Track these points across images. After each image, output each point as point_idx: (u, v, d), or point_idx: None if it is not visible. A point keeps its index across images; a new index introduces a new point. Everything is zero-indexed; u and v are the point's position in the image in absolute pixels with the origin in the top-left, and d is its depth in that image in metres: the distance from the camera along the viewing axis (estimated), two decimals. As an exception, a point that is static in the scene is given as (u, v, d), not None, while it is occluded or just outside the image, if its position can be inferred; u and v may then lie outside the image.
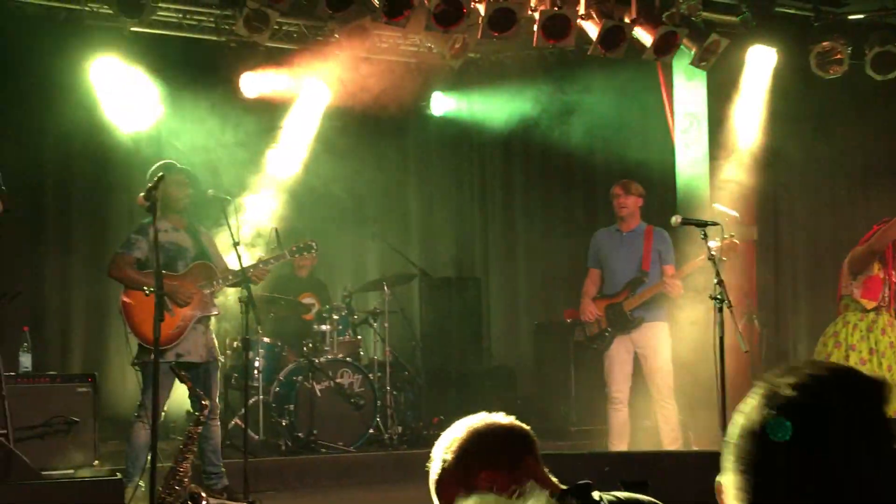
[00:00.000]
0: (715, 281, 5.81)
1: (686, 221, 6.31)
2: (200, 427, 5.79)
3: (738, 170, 8.59)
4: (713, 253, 5.99)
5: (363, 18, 8.04)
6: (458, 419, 2.24)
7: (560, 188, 10.85)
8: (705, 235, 6.04)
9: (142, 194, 5.60)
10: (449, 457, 2.16)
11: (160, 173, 5.82)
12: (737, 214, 7.41)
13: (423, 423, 8.65)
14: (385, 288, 8.59)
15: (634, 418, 7.27)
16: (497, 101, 10.10)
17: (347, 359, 8.03)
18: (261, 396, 7.88)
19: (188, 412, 8.11)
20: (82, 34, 8.50)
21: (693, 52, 8.11)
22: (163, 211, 5.72)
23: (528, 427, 2.26)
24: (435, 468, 2.20)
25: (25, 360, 7.13)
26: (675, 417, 7.20)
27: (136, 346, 6.16)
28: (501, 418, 2.27)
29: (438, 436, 2.24)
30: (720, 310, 5.71)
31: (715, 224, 6.31)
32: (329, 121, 9.70)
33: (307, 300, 8.76)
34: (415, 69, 9.96)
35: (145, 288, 5.70)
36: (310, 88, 9.50)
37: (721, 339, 5.68)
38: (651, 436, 7.33)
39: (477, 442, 2.17)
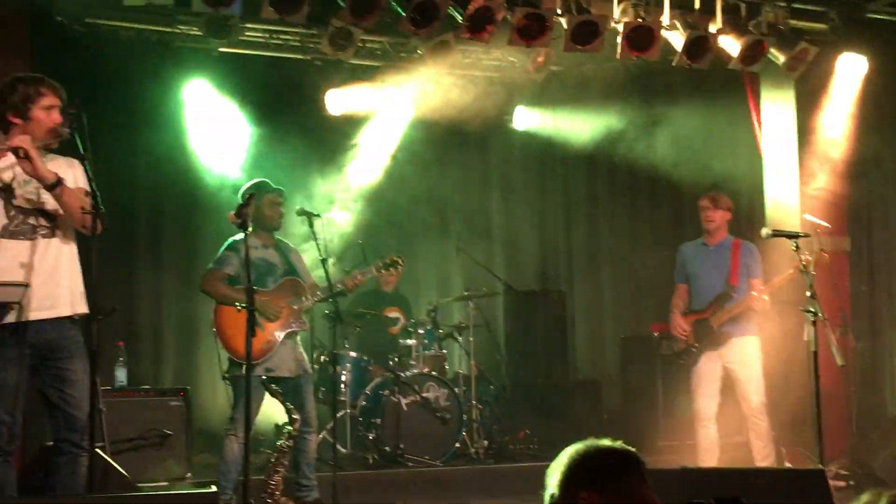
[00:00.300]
0: (808, 294, 5.69)
1: (777, 233, 6.21)
2: (292, 441, 5.88)
3: (829, 179, 8.41)
4: (804, 265, 5.87)
5: (446, 34, 8.08)
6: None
7: (646, 201, 10.73)
8: (797, 247, 5.93)
9: (233, 212, 5.71)
10: (553, 481, 2.17)
11: (252, 191, 5.94)
12: (828, 225, 7.25)
13: (510, 437, 8.63)
14: (469, 302, 8.62)
15: (726, 434, 7.14)
16: (580, 113, 10.05)
17: (433, 373, 8.06)
18: (348, 410, 7.96)
19: (276, 426, 8.23)
20: (172, 56, 8.72)
21: (781, 61, 7.98)
22: (253, 228, 5.81)
23: (632, 449, 2.24)
24: (546, 499, 2.22)
25: (121, 375, 7.32)
26: (768, 433, 7.06)
27: (226, 360, 6.26)
28: (604, 441, 2.27)
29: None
30: (814, 323, 5.60)
31: (806, 236, 6.18)
32: (412, 136, 9.77)
33: (392, 314, 8.83)
34: (497, 83, 9.99)
35: (237, 304, 5.80)
36: (393, 104, 9.58)
37: (815, 353, 5.56)
38: (743, 451, 7.19)
39: (577, 464, 2.17)
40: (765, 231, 6.19)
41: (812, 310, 5.64)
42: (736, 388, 7.10)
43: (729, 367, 7.09)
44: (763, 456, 6.99)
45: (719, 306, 7.08)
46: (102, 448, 5.75)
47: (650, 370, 8.73)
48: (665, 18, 7.70)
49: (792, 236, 6.05)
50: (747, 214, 8.46)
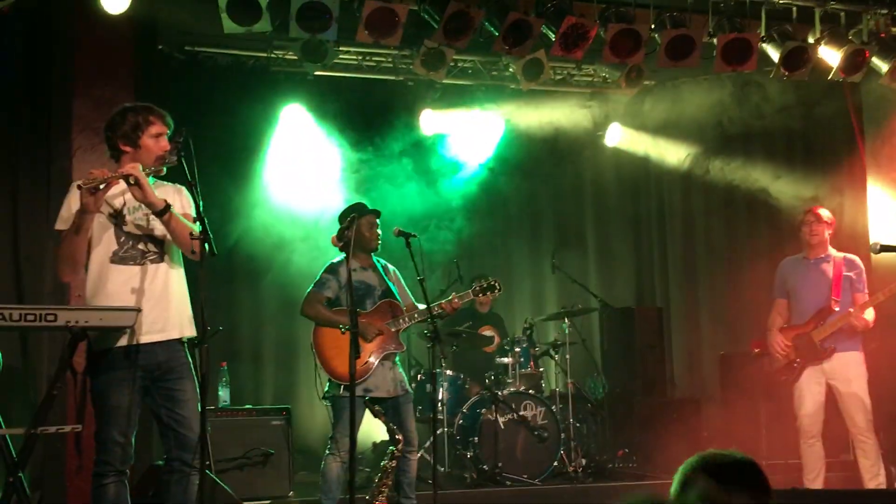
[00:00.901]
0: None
1: (886, 248, 6.01)
2: (395, 461, 5.90)
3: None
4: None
5: (538, 52, 8.10)
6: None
7: (743, 216, 10.53)
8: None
9: (334, 235, 5.77)
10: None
11: (352, 214, 6.00)
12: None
13: (608, 455, 8.55)
14: (565, 319, 8.58)
15: (832, 452, 6.96)
16: (675, 128, 9.95)
17: (530, 391, 8.04)
18: (445, 429, 7.98)
19: (374, 444, 8.30)
20: (269, 81, 8.90)
21: (884, 70, 7.79)
22: (353, 250, 5.87)
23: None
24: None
25: (224, 395, 7.46)
26: (876, 452, 6.85)
27: (325, 381, 6.32)
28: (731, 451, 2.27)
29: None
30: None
31: None
32: (506, 154, 9.79)
33: (487, 332, 8.83)
34: (589, 99, 9.96)
35: (341, 326, 5.86)
36: (487, 122, 9.61)
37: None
38: (851, 470, 7.00)
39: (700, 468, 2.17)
40: (874, 244, 6.00)
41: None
42: (840, 406, 6.92)
43: (832, 383, 6.91)
44: (871, 475, 6.79)
45: (821, 321, 6.91)
46: (209, 467, 5.85)
47: (750, 387, 8.55)
48: (762, 30, 7.59)
49: (902, 251, 5.87)
50: (850, 228, 8.24)
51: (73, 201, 4.61)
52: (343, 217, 6.17)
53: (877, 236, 7.69)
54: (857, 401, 6.84)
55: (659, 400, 9.32)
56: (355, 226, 6.03)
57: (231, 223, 8.84)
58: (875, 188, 8.52)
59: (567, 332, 8.53)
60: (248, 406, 7.81)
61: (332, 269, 6.36)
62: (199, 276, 4.43)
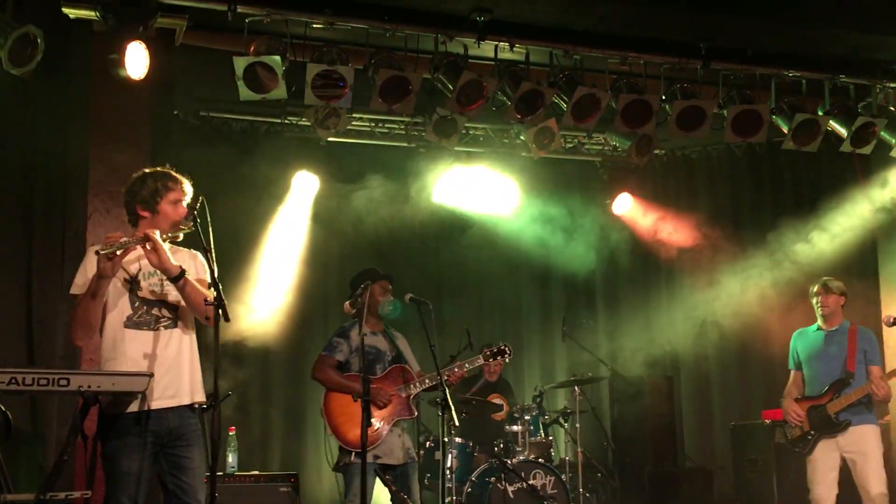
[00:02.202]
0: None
1: (899, 320, 5.99)
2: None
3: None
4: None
5: (549, 120, 8.17)
6: None
7: (754, 287, 10.48)
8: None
9: (348, 302, 5.78)
10: None
11: (365, 279, 6.01)
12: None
13: (618, 525, 8.47)
14: (575, 387, 8.54)
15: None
16: (684, 197, 9.99)
17: (539, 460, 7.97)
18: (454, 497, 7.88)
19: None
20: (282, 146, 8.98)
21: (894, 143, 7.84)
22: (364, 316, 5.87)
23: None
24: None
25: (232, 460, 7.40)
26: (891, 527, 6.77)
27: (336, 448, 6.27)
28: None
29: None
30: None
31: None
32: (515, 222, 9.81)
33: (496, 401, 8.78)
34: (599, 167, 10.03)
35: (355, 395, 5.83)
36: (496, 190, 9.66)
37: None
38: (866, 546, 6.90)
39: None
40: (886, 317, 5.97)
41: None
42: (856, 479, 6.85)
43: (847, 456, 6.85)
44: (886, 550, 6.70)
45: (836, 393, 6.87)
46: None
47: (763, 458, 8.48)
48: (772, 102, 7.66)
49: (918, 323, 5.83)
50: (863, 298, 8.20)
51: (89, 266, 4.62)
52: (355, 282, 6.18)
53: (890, 309, 7.67)
54: (872, 475, 6.76)
55: (670, 470, 9.24)
56: (369, 291, 6.04)
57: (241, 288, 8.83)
58: (886, 257, 8.51)
59: (577, 400, 8.48)
60: (255, 472, 7.74)
61: (343, 332, 6.36)
62: (214, 341, 4.43)
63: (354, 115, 8.80)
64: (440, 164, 9.37)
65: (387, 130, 9.33)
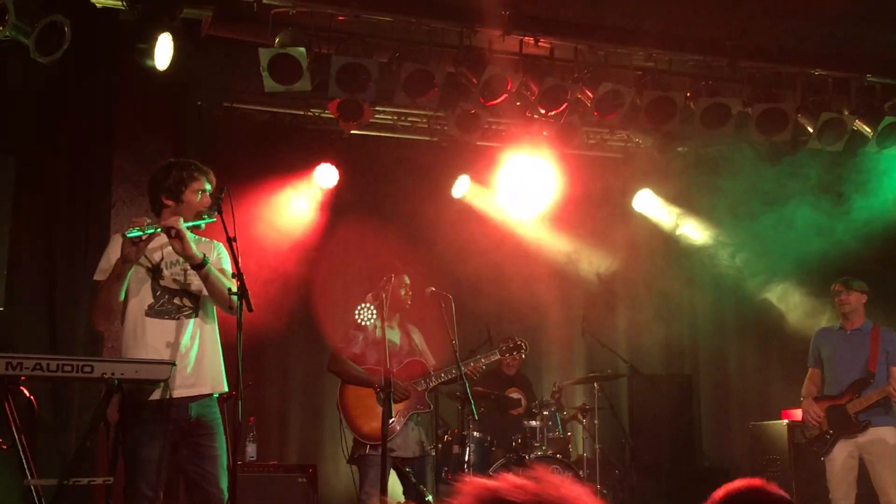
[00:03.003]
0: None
1: (923, 322, 5.94)
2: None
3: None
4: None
5: (573, 116, 8.14)
6: None
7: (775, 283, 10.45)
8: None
9: (371, 294, 5.79)
10: None
11: (390, 274, 6.01)
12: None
13: (635, 524, 8.44)
14: (594, 384, 8.51)
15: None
16: (706, 193, 9.92)
17: (558, 455, 7.95)
18: (471, 491, 7.87)
19: (398, 504, 8.21)
20: (305, 137, 8.98)
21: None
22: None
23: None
24: None
25: (251, 450, 7.43)
26: (910, 528, 6.73)
27: (350, 440, 6.28)
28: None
29: None
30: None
31: None
32: (538, 216, 9.78)
33: (514, 395, 8.76)
34: (622, 164, 9.99)
35: (375, 386, 5.85)
36: (520, 185, 9.62)
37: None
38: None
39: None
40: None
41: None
42: (874, 480, 6.82)
43: (866, 457, 6.82)
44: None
45: (857, 393, 6.84)
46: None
47: (782, 459, 8.43)
48: (798, 100, 7.62)
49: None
50: (889, 298, 8.13)
51: (112, 252, 4.65)
52: (378, 275, 6.18)
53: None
54: (890, 478, 6.73)
55: (687, 469, 9.21)
56: (389, 287, 6.06)
57: (259, 277, 8.84)
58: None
59: (596, 396, 8.45)
60: (274, 462, 7.77)
61: (360, 325, 6.36)
62: (238, 331, 4.44)
63: (378, 109, 8.79)
64: (462, 159, 9.35)
65: (409, 124, 9.31)
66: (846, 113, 7.72)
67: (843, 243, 8.71)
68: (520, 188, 9.51)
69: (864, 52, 7.70)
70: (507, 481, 1.72)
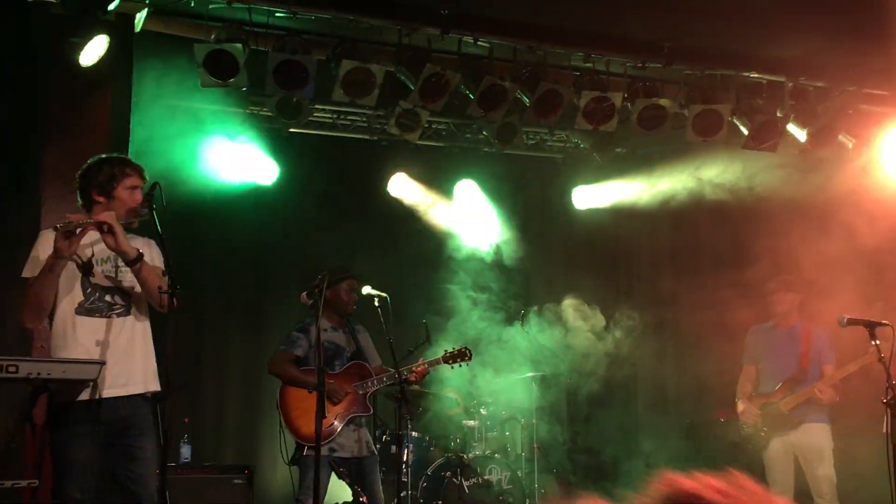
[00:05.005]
0: (886, 385, 5.53)
1: (853, 321, 5.98)
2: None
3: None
4: (882, 355, 5.69)
5: (512, 116, 8.16)
6: None
7: (710, 283, 10.55)
8: (874, 336, 5.76)
9: (304, 293, 5.73)
10: None
11: (330, 275, 5.95)
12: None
13: (572, 522, 8.45)
14: (533, 382, 8.53)
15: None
16: (641, 193, 10.01)
17: (496, 455, 7.96)
18: (409, 491, 7.85)
19: (340, 506, 8.16)
20: (246, 135, 8.89)
21: (851, 145, 7.93)
22: (324, 310, 5.80)
23: None
24: None
25: (185, 451, 7.32)
26: (840, 522, 6.83)
27: (292, 443, 6.21)
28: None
29: None
30: (894, 415, 5.43)
31: (884, 325, 5.92)
32: (475, 216, 9.79)
33: (450, 395, 8.76)
34: (560, 164, 10.04)
35: (309, 388, 5.80)
36: (457, 185, 9.64)
37: (895, 446, 5.38)
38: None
39: None
40: (841, 317, 5.97)
41: (892, 402, 5.46)
42: (808, 477, 6.90)
43: (800, 455, 6.91)
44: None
45: (790, 390, 6.92)
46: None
47: (719, 457, 8.52)
48: (732, 103, 7.71)
49: (870, 325, 5.85)
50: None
51: (42, 248, 4.56)
52: (321, 277, 6.10)
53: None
54: (824, 474, 6.82)
55: (625, 467, 9.29)
56: (335, 288, 6.02)
57: (199, 277, 8.75)
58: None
59: (534, 396, 8.47)
60: (209, 464, 7.66)
61: (303, 327, 6.31)
62: (168, 329, 4.37)
63: (317, 107, 8.73)
64: (400, 158, 9.34)
65: (349, 122, 9.27)
66: (779, 115, 7.82)
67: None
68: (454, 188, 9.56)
69: (796, 57, 7.80)
70: (704, 482, 1.68)
